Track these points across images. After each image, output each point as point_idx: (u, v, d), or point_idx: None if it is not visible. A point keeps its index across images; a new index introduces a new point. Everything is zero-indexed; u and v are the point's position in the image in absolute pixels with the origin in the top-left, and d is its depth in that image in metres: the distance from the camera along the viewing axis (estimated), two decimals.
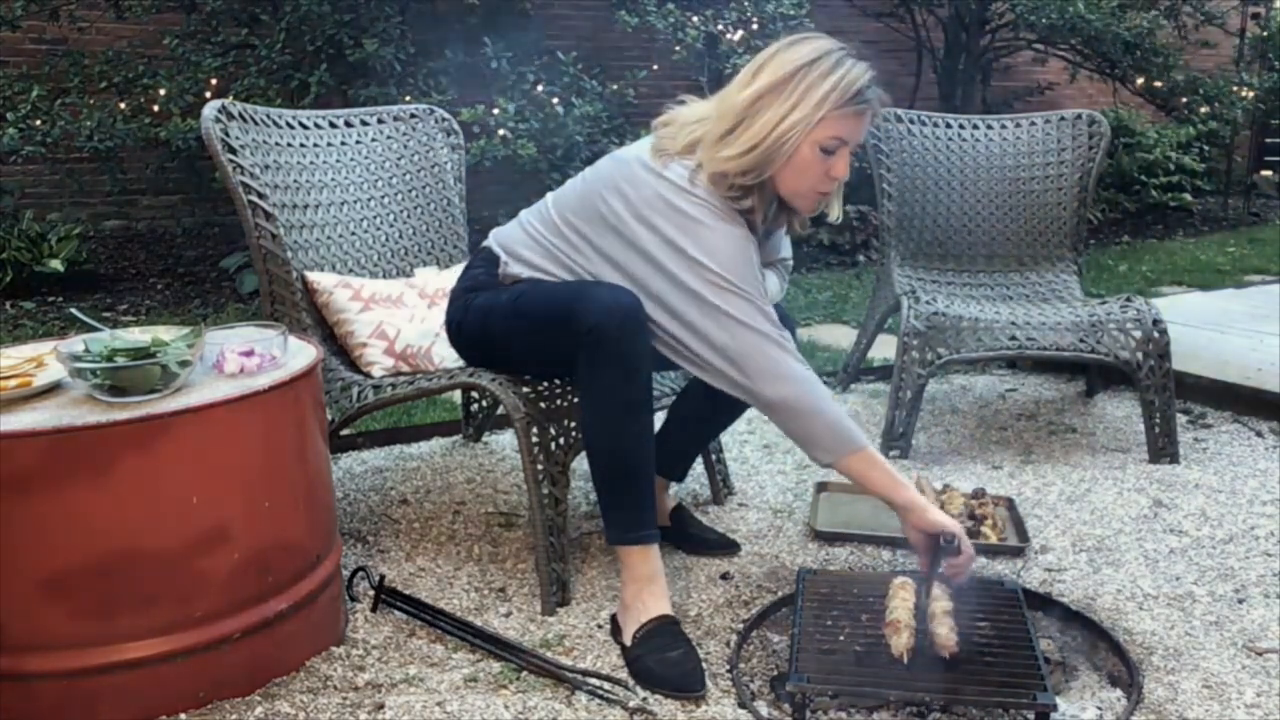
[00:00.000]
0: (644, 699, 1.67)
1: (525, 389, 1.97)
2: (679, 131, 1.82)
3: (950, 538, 1.75)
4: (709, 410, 2.18)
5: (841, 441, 1.77)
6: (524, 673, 1.74)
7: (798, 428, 1.77)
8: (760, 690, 1.72)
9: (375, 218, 2.51)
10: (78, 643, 1.52)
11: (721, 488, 2.52)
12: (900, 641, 1.63)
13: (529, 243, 1.96)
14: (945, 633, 1.63)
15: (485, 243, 2.05)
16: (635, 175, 1.80)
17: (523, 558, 2.19)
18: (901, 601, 1.72)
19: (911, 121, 3.32)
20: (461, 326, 2.03)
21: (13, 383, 1.58)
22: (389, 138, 2.60)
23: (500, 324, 1.94)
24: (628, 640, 1.78)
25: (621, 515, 1.82)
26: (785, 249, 2.12)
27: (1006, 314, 2.84)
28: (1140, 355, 2.74)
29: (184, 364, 1.59)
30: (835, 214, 1.91)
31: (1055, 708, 1.54)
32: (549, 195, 1.99)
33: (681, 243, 1.74)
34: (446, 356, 2.18)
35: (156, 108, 5.12)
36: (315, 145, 2.41)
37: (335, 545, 1.86)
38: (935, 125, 3.34)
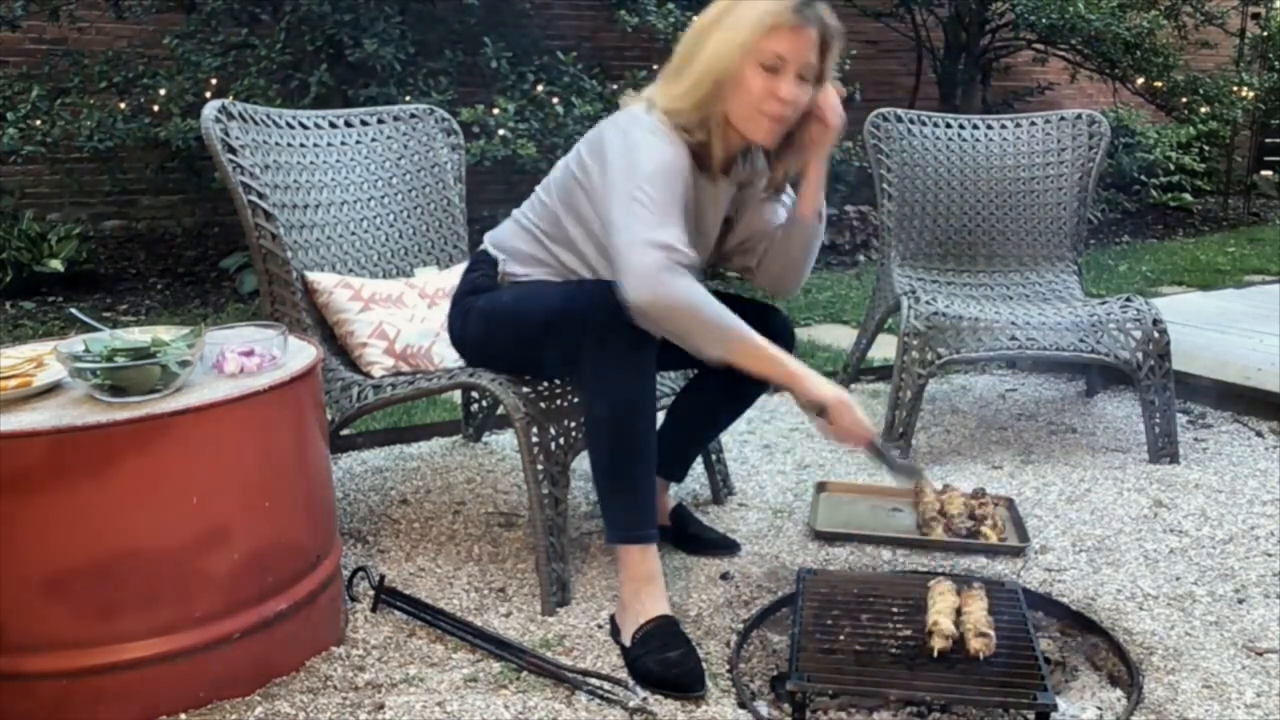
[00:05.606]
0: (644, 699, 1.66)
1: (525, 389, 1.97)
2: (641, 91, 1.90)
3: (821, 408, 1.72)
4: (708, 410, 2.18)
5: (724, 333, 1.71)
6: (524, 673, 1.74)
7: (673, 327, 1.71)
8: (760, 690, 1.72)
9: (375, 218, 2.51)
10: (78, 643, 1.52)
11: (721, 488, 2.52)
12: (938, 640, 1.67)
13: (521, 234, 1.99)
14: (982, 639, 1.66)
15: (482, 246, 2.06)
16: (599, 126, 1.87)
17: (523, 558, 2.19)
18: (944, 603, 1.74)
19: (911, 121, 3.32)
20: (464, 331, 2.03)
21: (13, 383, 1.58)
22: (389, 138, 2.60)
23: (503, 326, 1.95)
24: (627, 640, 1.78)
25: (621, 514, 1.82)
26: (782, 217, 2.07)
27: (1006, 314, 2.84)
28: (1140, 355, 2.73)
29: (184, 364, 1.59)
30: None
31: (1055, 708, 1.54)
32: (538, 186, 2.02)
33: (613, 157, 1.77)
34: (446, 356, 2.18)
35: (156, 108, 5.12)
36: (315, 145, 2.41)
37: (335, 545, 1.86)
38: (935, 125, 3.34)
